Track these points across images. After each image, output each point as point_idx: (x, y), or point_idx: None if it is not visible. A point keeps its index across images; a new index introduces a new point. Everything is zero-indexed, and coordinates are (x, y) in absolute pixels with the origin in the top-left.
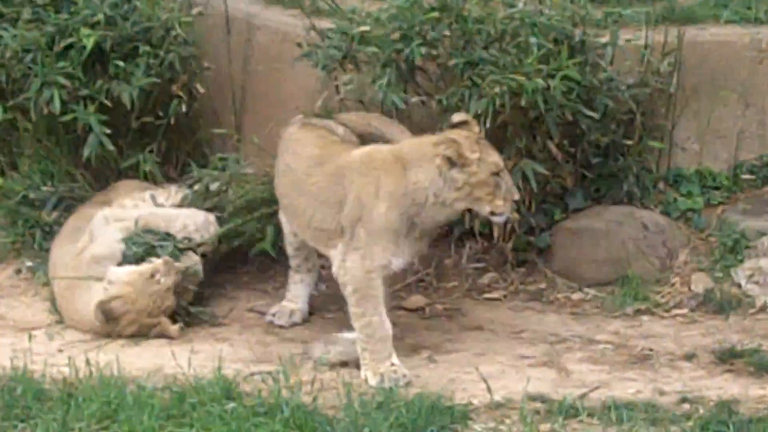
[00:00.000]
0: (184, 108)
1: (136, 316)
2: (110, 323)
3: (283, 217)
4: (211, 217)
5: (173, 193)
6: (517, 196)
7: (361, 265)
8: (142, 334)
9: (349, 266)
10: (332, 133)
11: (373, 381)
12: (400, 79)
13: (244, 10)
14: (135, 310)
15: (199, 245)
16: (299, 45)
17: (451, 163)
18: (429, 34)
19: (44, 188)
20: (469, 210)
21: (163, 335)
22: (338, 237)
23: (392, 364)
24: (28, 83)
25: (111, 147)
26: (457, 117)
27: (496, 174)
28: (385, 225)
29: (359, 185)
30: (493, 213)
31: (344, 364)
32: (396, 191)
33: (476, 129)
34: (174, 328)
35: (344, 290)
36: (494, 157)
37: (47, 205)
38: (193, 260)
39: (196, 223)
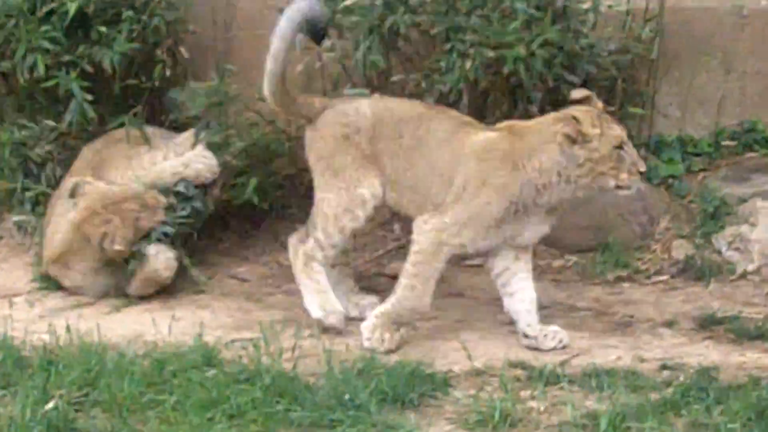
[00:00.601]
0: (168, 72)
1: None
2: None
3: (371, 193)
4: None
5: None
6: (643, 168)
7: (438, 234)
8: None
9: (427, 229)
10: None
11: (364, 341)
12: (381, 44)
13: None
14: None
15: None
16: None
17: (571, 140)
18: (412, 0)
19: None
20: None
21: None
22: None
23: (380, 337)
24: (10, 49)
25: (92, 114)
26: (577, 93)
27: (619, 147)
28: (481, 214)
29: (470, 170)
30: (618, 187)
31: None
32: (505, 185)
33: (598, 104)
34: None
35: (411, 248)
36: (616, 131)
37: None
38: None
39: (206, 164)
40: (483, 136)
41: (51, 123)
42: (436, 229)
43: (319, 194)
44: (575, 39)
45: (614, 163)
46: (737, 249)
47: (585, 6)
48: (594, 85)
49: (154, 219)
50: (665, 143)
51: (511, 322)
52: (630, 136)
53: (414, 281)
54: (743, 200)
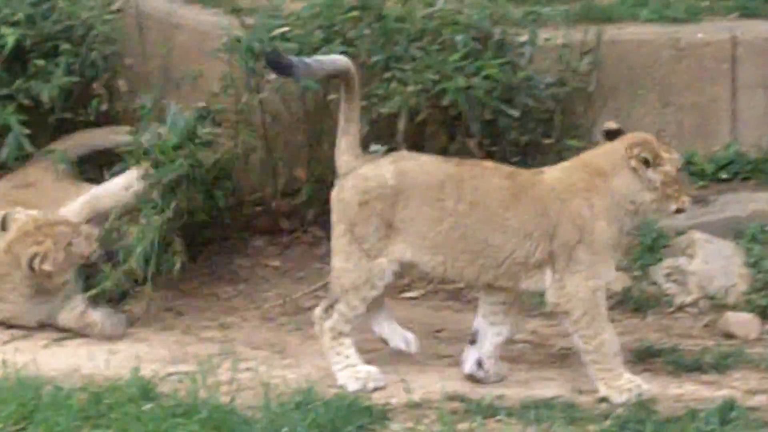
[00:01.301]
0: (105, 106)
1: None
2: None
3: (394, 261)
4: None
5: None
6: (694, 190)
7: (587, 286)
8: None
9: (573, 291)
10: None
11: (620, 399)
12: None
13: (162, 8)
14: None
15: None
16: (223, 44)
17: (646, 163)
18: (349, 32)
19: None
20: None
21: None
22: (537, 268)
23: (630, 380)
24: None
25: (30, 148)
26: (610, 125)
27: (679, 169)
28: (607, 241)
29: (571, 209)
30: (679, 210)
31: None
32: (608, 205)
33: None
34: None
35: (570, 317)
36: (676, 154)
37: None
38: None
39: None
40: (555, 175)
41: None
42: (582, 286)
43: (336, 262)
44: (513, 72)
45: (678, 185)
46: (675, 281)
47: (522, 39)
48: (532, 118)
49: (87, 248)
50: None
51: (450, 355)
52: None
53: (598, 339)
54: (681, 232)
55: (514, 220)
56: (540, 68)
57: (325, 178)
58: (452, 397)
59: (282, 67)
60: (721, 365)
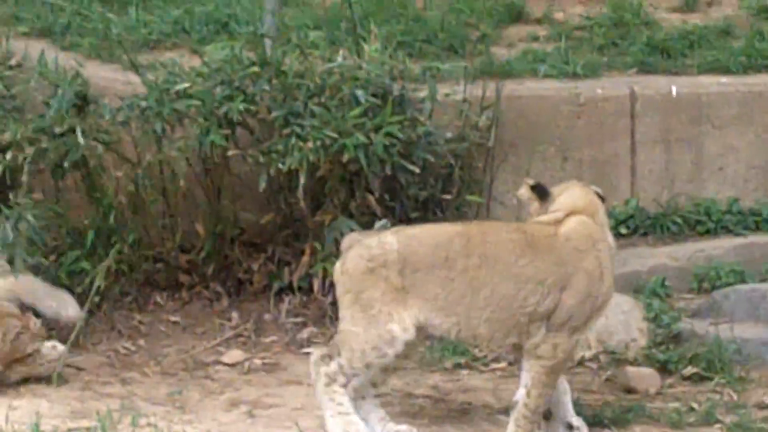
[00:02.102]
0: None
1: None
2: None
3: (405, 328)
4: None
5: None
6: None
7: (569, 342)
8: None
9: (559, 342)
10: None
11: None
12: (220, 129)
13: (60, 64)
14: None
15: None
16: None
17: None
18: (249, 88)
19: None
20: None
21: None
22: (541, 320)
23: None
24: None
25: None
26: (529, 181)
27: None
28: (607, 300)
29: (587, 264)
30: None
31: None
32: (608, 261)
33: None
34: None
35: (538, 365)
36: None
37: None
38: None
39: None
40: (571, 225)
41: None
42: (566, 342)
43: (344, 325)
44: (412, 127)
45: None
46: None
47: (421, 94)
48: (431, 173)
49: (31, 346)
50: None
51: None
52: (470, 219)
53: (545, 390)
54: None
55: (531, 271)
56: (439, 123)
57: (224, 234)
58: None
59: None
60: (622, 420)
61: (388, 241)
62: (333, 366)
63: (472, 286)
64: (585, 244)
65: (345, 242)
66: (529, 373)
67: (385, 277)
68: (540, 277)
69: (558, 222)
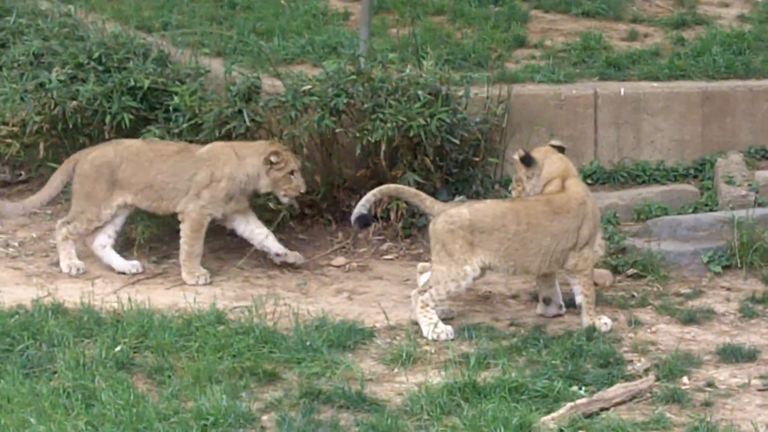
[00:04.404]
0: None
1: None
2: None
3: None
4: None
5: None
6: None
7: (590, 252)
8: None
9: (587, 256)
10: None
11: (604, 328)
12: (331, 115)
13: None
14: None
15: None
16: (269, 95)
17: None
18: (350, 89)
19: None
20: None
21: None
22: (570, 251)
23: (601, 316)
24: None
25: None
26: (554, 142)
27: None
28: (598, 221)
29: (588, 207)
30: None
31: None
32: (592, 198)
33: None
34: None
35: (581, 275)
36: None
37: None
38: None
39: None
40: (572, 188)
41: None
42: (590, 256)
43: (435, 266)
44: (454, 114)
45: None
46: None
47: (460, 93)
48: (466, 144)
49: (297, 188)
50: (511, 181)
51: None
52: (489, 177)
53: (591, 288)
54: None
55: (560, 228)
56: (471, 112)
57: (333, 182)
58: (415, 323)
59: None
60: None
61: (462, 212)
62: (426, 295)
63: (523, 243)
64: (583, 196)
65: (435, 208)
66: (578, 284)
67: (462, 236)
68: (566, 229)
69: (561, 189)
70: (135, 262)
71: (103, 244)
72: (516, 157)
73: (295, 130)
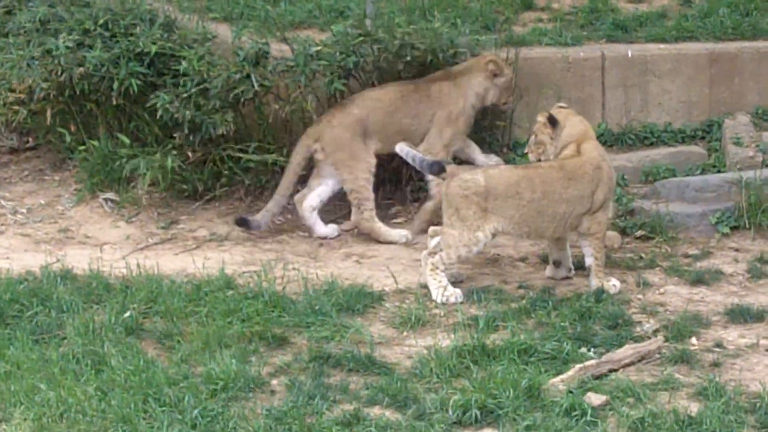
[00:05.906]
0: None
1: None
2: None
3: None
4: None
5: None
6: None
7: (603, 216)
8: None
9: (600, 219)
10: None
11: (613, 290)
12: (339, 78)
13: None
14: None
15: None
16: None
17: None
18: (359, 50)
19: None
20: None
21: None
22: (584, 214)
23: (610, 278)
24: None
25: None
26: (561, 104)
27: None
28: (613, 185)
29: (603, 172)
30: None
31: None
32: (608, 161)
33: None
34: None
35: (593, 238)
36: None
37: None
38: None
39: None
40: (587, 152)
41: None
42: (605, 218)
43: (447, 230)
44: None
45: None
46: None
47: (469, 55)
48: None
49: (504, 97)
50: (519, 144)
51: (419, 259)
52: (498, 140)
53: (602, 251)
54: None
55: (575, 192)
56: None
57: None
58: (424, 286)
59: None
60: None
61: (477, 177)
62: (437, 257)
63: (538, 211)
64: (599, 160)
65: (448, 171)
66: (589, 246)
67: (475, 202)
68: (581, 195)
69: (576, 153)
70: (333, 226)
71: (313, 206)
72: (541, 119)
73: (303, 95)
